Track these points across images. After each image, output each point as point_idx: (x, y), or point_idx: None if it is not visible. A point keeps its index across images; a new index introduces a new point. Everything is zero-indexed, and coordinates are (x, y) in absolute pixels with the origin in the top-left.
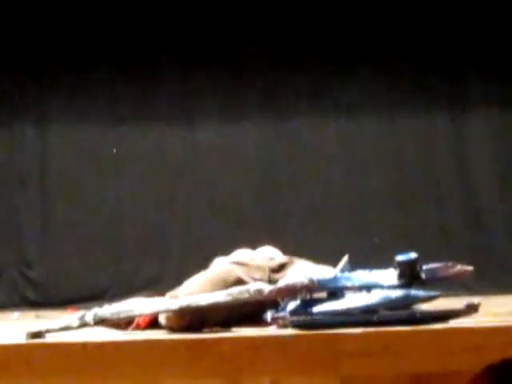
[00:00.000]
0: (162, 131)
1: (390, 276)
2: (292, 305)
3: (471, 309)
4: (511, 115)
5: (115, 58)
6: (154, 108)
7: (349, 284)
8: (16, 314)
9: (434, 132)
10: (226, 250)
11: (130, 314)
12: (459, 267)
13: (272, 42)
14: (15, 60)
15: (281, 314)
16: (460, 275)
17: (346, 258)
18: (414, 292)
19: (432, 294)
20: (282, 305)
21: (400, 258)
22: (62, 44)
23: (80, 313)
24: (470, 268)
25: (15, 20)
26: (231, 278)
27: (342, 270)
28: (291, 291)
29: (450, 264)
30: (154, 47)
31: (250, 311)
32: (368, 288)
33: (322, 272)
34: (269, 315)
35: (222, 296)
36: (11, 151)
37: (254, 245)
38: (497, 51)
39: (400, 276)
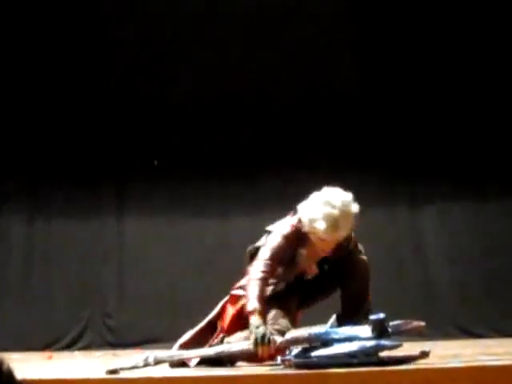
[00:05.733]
0: (204, 224)
1: (365, 330)
2: (295, 350)
3: (424, 354)
4: (456, 210)
5: (175, 170)
6: (198, 208)
7: (336, 336)
8: (98, 353)
9: (397, 222)
10: None
11: (180, 357)
12: (415, 323)
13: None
14: (96, 166)
15: (287, 357)
16: (416, 329)
17: (333, 317)
18: (383, 342)
19: (396, 343)
20: (288, 351)
21: (373, 317)
22: (136, 153)
23: (144, 355)
24: (423, 323)
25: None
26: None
27: (331, 326)
28: (295, 341)
29: (408, 321)
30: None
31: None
32: (349, 339)
33: (317, 328)
34: (278, 358)
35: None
36: (96, 234)
37: None
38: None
39: (372, 330)
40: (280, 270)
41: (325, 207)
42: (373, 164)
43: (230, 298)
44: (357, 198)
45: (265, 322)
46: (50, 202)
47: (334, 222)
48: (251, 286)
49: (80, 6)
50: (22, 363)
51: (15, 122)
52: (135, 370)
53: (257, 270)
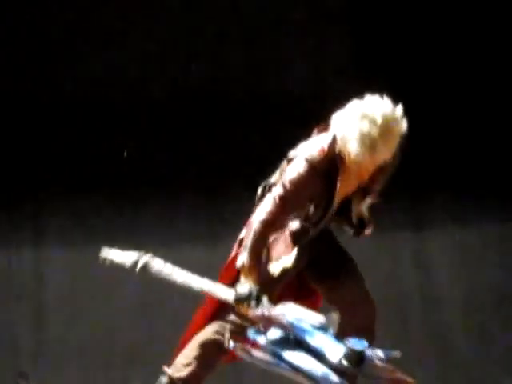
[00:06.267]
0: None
1: (337, 352)
2: (272, 334)
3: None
4: (469, 232)
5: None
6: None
7: (308, 341)
8: None
9: (399, 248)
10: None
11: (168, 276)
12: (400, 375)
13: None
14: (13, 183)
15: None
16: (398, 383)
17: (334, 318)
18: None
19: None
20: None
21: (351, 342)
22: (59, 169)
23: (137, 254)
24: (411, 380)
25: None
26: None
27: (323, 326)
28: (270, 320)
29: (392, 368)
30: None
31: None
32: (317, 355)
33: (303, 316)
34: (232, 344)
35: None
36: (9, 267)
37: None
38: (455, 175)
39: (345, 356)
40: (311, 210)
41: (362, 122)
42: None
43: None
44: None
45: (255, 279)
46: None
47: (371, 144)
48: (250, 231)
49: None
50: None
51: None
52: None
53: (262, 210)
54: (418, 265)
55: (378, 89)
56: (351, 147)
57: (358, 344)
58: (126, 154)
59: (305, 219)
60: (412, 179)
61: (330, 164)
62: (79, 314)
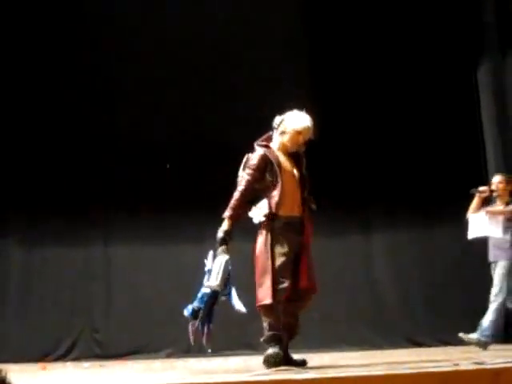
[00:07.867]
0: (180, 249)
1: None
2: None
3: None
4: (401, 236)
5: (154, 202)
6: (176, 234)
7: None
8: (86, 364)
9: (351, 248)
10: None
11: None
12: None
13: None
14: (86, 196)
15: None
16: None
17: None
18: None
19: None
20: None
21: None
22: (120, 189)
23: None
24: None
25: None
26: None
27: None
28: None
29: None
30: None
31: None
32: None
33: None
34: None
35: None
36: (87, 259)
37: None
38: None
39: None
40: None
41: (293, 115)
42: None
43: None
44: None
45: (228, 225)
46: (46, 232)
47: (306, 116)
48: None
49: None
50: (18, 373)
51: (13, 164)
52: None
53: (239, 183)
54: (364, 258)
55: None
56: (297, 121)
57: (185, 310)
58: (168, 166)
59: (265, 191)
60: (360, 196)
61: (271, 153)
62: (134, 292)
